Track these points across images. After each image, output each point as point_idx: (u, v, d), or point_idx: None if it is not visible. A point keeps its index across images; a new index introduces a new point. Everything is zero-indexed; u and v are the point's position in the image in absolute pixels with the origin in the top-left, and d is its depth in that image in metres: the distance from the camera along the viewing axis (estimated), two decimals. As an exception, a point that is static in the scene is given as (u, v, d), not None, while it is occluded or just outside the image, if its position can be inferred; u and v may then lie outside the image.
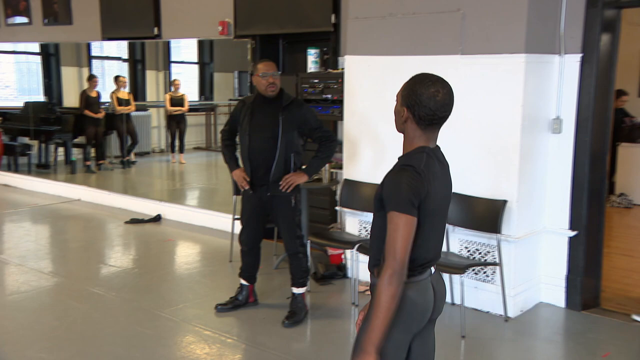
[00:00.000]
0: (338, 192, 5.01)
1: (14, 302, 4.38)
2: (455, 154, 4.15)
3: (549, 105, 4.14)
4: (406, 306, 1.89)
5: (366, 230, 4.75)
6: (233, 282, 4.42)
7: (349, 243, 4.41)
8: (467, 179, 4.14)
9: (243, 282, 4.22)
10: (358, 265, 4.30)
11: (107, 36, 7.14)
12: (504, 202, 3.96)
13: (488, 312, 4.14)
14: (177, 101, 9.45)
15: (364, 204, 4.65)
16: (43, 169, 9.22)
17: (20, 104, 9.79)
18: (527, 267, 4.20)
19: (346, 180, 4.77)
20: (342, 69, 4.93)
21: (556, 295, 4.26)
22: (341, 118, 4.89)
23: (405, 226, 1.81)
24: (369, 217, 4.68)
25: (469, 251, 4.21)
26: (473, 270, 4.17)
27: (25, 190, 8.27)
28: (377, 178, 4.44)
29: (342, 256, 4.94)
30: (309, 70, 5.28)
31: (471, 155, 4.13)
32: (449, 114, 1.90)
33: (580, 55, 4.03)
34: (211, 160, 11.03)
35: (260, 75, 3.81)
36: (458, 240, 4.25)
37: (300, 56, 5.59)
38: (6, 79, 10.52)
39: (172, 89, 9.62)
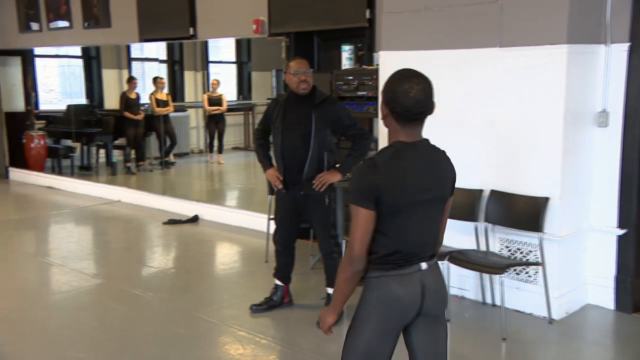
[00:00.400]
0: None
1: (56, 303, 4.50)
2: (493, 149, 4.10)
3: (594, 97, 4.00)
4: (387, 297, 1.98)
5: None
6: (269, 282, 4.42)
7: None
8: (506, 176, 4.05)
9: (278, 282, 4.23)
10: None
11: (145, 38, 7.25)
12: (546, 199, 3.85)
13: (531, 314, 4.03)
14: (215, 101, 9.55)
15: None
16: (85, 170, 9.47)
17: (63, 107, 10.08)
18: (572, 267, 4.07)
19: None
20: (377, 65, 4.89)
21: (604, 296, 4.12)
22: (376, 115, 4.85)
23: (359, 218, 1.93)
24: None
25: (509, 250, 4.11)
26: (514, 270, 4.07)
27: (68, 192, 8.50)
28: None
29: None
30: (343, 67, 5.26)
31: (510, 151, 4.03)
32: (427, 109, 1.95)
33: (628, 44, 3.89)
34: (249, 160, 11.11)
35: (292, 73, 3.81)
36: (498, 239, 4.16)
37: (335, 53, 5.56)
38: (50, 82, 10.83)
39: (210, 89, 9.69)
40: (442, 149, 2.07)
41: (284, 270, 4.20)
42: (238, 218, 6.47)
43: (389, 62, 4.61)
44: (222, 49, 11.57)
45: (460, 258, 3.95)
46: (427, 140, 2.04)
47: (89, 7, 7.79)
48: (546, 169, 3.87)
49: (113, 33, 7.64)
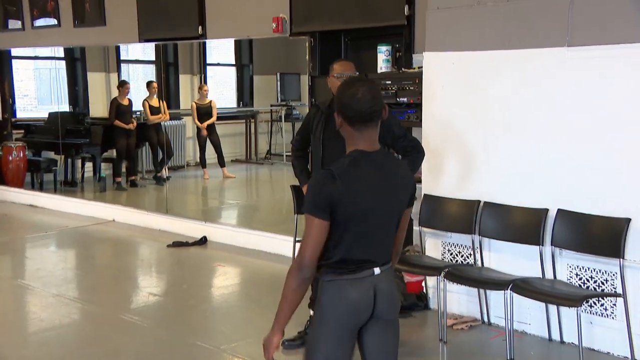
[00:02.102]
0: (416, 209, 4.79)
1: (56, 337, 4.38)
2: (559, 162, 4.03)
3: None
4: (340, 300, 2.23)
5: (451, 254, 4.63)
6: (301, 314, 4.28)
7: (431, 268, 4.31)
8: (576, 193, 3.97)
9: (312, 313, 4.13)
10: (445, 294, 4.16)
11: (145, 37, 7.18)
12: (627, 220, 3.77)
13: (608, 353, 3.93)
14: (205, 109, 9.40)
15: (448, 223, 4.55)
16: (70, 186, 9.35)
17: (40, 114, 9.96)
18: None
19: (426, 195, 4.67)
20: (418, 67, 4.85)
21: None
22: (419, 124, 4.79)
23: (312, 228, 2.17)
24: (454, 238, 4.58)
25: (580, 279, 4.02)
26: (587, 302, 3.97)
27: (53, 211, 8.37)
28: (464, 193, 4.52)
29: (422, 284, 4.81)
30: (379, 70, 5.21)
31: (581, 164, 3.96)
32: (377, 108, 2.19)
33: None
34: (251, 174, 11.04)
35: (335, 76, 3.78)
36: (567, 265, 4.07)
37: (367, 54, 5.51)
38: (25, 87, 10.71)
39: (198, 96, 9.56)
40: (399, 159, 2.37)
41: (319, 300, 4.13)
42: (254, 240, 6.38)
43: (434, 65, 4.58)
44: (220, 49, 11.54)
45: (525, 287, 3.86)
46: (384, 150, 2.31)
47: (81, 3, 7.72)
48: (628, 186, 3.79)
49: (108, 32, 7.58)
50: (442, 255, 4.65)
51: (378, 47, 5.19)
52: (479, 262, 4.41)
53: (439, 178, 4.62)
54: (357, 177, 2.19)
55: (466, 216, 4.42)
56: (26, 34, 8.44)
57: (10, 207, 8.77)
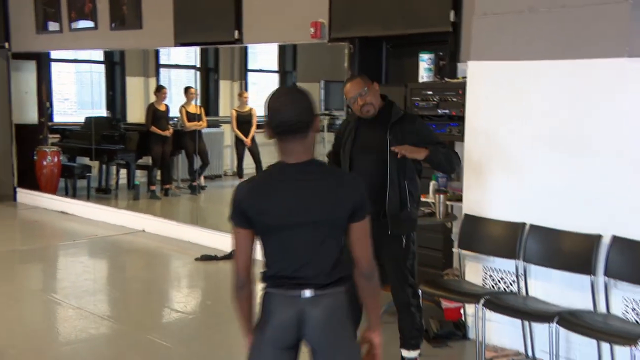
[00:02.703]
0: (455, 230, 4.77)
1: (71, 355, 4.35)
2: (616, 184, 3.81)
3: None
4: (267, 316, 2.31)
5: (492, 280, 4.45)
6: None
7: (470, 295, 4.17)
8: (634, 219, 3.74)
9: None
10: (484, 324, 4.01)
11: (181, 41, 7.23)
12: (691, 251, 3.52)
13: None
14: (245, 118, 9.35)
15: (490, 246, 4.39)
16: (103, 193, 9.45)
17: (79, 119, 10.11)
18: None
19: (467, 215, 4.53)
20: (463, 77, 4.73)
21: None
22: (461, 138, 4.66)
23: (234, 237, 2.29)
24: (496, 263, 4.41)
25: (637, 314, 3.78)
26: (641, 339, 3.72)
27: (84, 219, 8.47)
28: (508, 214, 4.33)
29: (461, 311, 4.66)
30: (420, 80, 5.09)
31: None
32: (297, 121, 2.20)
33: None
34: (292, 185, 10.97)
35: (349, 100, 3.77)
36: (622, 298, 3.83)
37: (409, 63, 5.40)
38: (65, 90, 10.89)
39: (238, 103, 9.50)
40: (342, 171, 2.40)
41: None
42: None
43: (480, 75, 4.45)
44: (263, 55, 11.56)
45: (573, 321, 3.66)
46: (315, 162, 2.30)
47: (118, 5, 7.82)
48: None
49: (144, 35, 7.65)
50: (483, 280, 4.49)
51: (420, 55, 5.08)
52: (523, 291, 4.23)
53: (481, 197, 4.47)
54: (273, 188, 2.26)
55: (510, 239, 4.25)
56: (64, 37, 8.59)
57: (42, 213, 8.92)
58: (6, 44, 9.29)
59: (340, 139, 3.90)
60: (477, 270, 4.53)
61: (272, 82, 11.45)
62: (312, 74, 10.24)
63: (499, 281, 4.41)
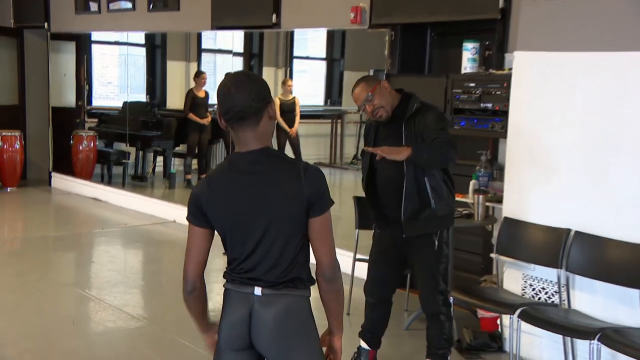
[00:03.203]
0: (495, 233, 4.65)
1: (84, 348, 4.38)
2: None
3: None
4: (224, 312, 2.31)
5: (533, 290, 4.32)
6: (350, 342, 4.12)
7: (507, 305, 4.04)
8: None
9: (363, 344, 4.06)
10: (519, 336, 3.88)
11: (218, 25, 7.22)
12: None
13: None
14: (289, 107, 9.30)
15: (531, 253, 4.27)
16: (139, 180, 9.58)
17: (120, 104, 10.24)
18: None
19: (506, 219, 4.40)
20: (510, 69, 4.58)
21: None
22: (504, 135, 4.53)
23: (189, 234, 2.27)
24: (537, 271, 4.28)
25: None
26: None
27: (115, 207, 8.59)
28: (551, 219, 4.17)
29: (498, 321, 4.54)
30: (463, 71, 4.96)
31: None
32: (243, 106, 2.14)
33: None
34: (335, 179, 10.89)
35: (359, 107, 3.73)
36: (673, 316, 3.63)
37: (454, 52, 5.25)
38: (108, 74, 11.03)
39: (282, 91, 9.45)
40: (296, 160, 2.25)
41: (373, 329, 4.03)
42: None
43: (526, 66, 4.31)
44: (310, 41, 11.49)
45: (617, 339, 3.49)
46: (267, 151, 2.22)
47: (156, -14, 7.85)
48: None
49: (181, 18, 7.67)
50: (523, 290, 4.37)
51: (463, 44, 4.94)
52: (565, 302, 4.08)
53: (523, 199, 4.34)
54: (226, 180, 2.22)
55: (553, 246, 4.11)
56: (102, 17, 8.68)
57: (75, 199, 9.09)
58: (45, 24, 9.45)
59: (366, 141, 3.89)
60: (516, 278, 4.41)
61: (319, 70, 11.41)
62: (361, 62, 10.11)
63: (540, 291, 4.28)
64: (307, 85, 11.45)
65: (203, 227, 2.24)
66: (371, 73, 9.88)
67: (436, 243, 3.71)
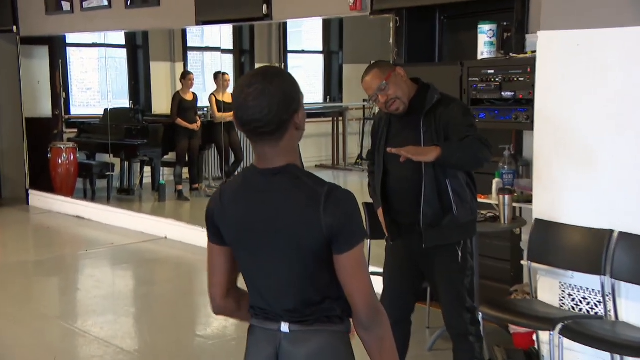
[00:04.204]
0: (525, 237, 4.55)
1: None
2: None
3: None
4: (247, 348, 2.18)
5: (572, 300, 4.17)
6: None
7: (546, 320, 3.88)
8: None
9: None
10: (562, 354, 3.71)
11: (203, 19, 7.09)
12: None
13: None
14: None
15: (568, 258, 4.14)
16: (125, 194, 9.44)
17: (101, 111, 10.07)
18: None
19: (538, 220, 4.26)
20: (532, 52, 4.47)
21: None
22: (531, 126, 4.41)
23: (208, 251, 2.19)
24: (576, 279, 4.14)
25: None
26: None
27: (100, 224, 8.45)
28: (590, 219, 3.98)
29: (533, 337, 4.38)
30: (480, 57, 4.83)
31: None
32: (264, 120, 1.95)
33: None
34: (338, 182, 10.74)
35: (370, 98, 3.56)
36: None
37: (469, 37, 5.14)
38: (88, 79, 10.86)
39: None
40: (320, 182, 2.02)
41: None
42: None
43: (553, 47, 4.18)
44: (305, 34, 11.36)
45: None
46: (290, 170, 2.03)
47: (133, -21, 7.71)
48: None
49: (162, 14, 7.56)
50: (561, 300, 4.23)
51: (479, 27, 4.79)
52: (611, 314, 3.93)
53: (556, 198, 4.21)
54: (238, 198, 2.09)
55: (593, 250, 3.98)
56: (75, 18, 8.54)
57: (56, 218, 8.94)
58: (14, 28, 9.28)
59: (376, 135, 3.72)
60: (552, 287, 4.27)
61: (316, 65, 11.29)
62: (362, 54, 9.96)
63: (581, 302, 4.14)
64: (304, 81, 11.35)
65: (219, 244, 2.12)
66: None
67: (460, 254, 3.56)
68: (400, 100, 3.48)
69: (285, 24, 9.69)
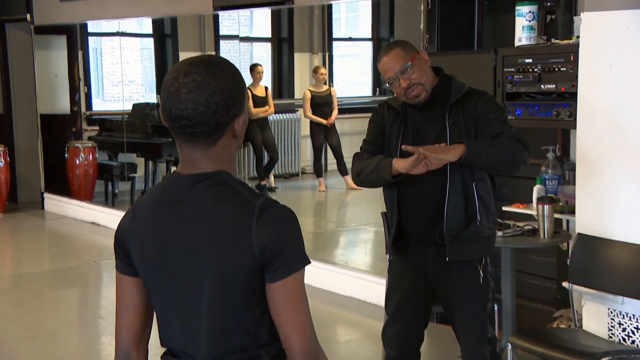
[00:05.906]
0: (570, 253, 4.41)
1: None
2: None
3: None
4: None
5: (623, 330, 4.04)
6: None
7: (587, 355, 3.71)
8: None
9: None
10: None
11: (221, 5, 7.13)
12: None
13: None
14: (322, 100, 9.09)
15: (618, 281, 4.05)
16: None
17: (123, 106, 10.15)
18: None
19: (581, 235, 4.15)
20: (578, 37, 4.32)
21: None
22: (573, 125, 4.30)
23: (116, 284, 2.00)
24: (628, 305, 4.01)
25: None
26: None
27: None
28: None
29: None
30: (517, 43, 4.71)
31: None
32: (196, 119, 1.81)
33: None
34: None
35: (388, 81, 3.40)
36: None
37: (508, 20, 5.03)
38: (131, 70, 10.91)
39: (313, 81, 9.22)
40: (254, 194, 1.86)
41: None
42: (348, 284, 6.08)
43: (599, 32, 4.08)
44: (353, 20, 11.23)
45: None
46: (216, 176, 1.86)
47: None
48: None
49: (180, 0, 7.66)
50: (610, 330, 4.12)
51: (516, 9, 4.68)
52: None
53: (604, 209, 4.12)
54: (153, 212, 1.92)
55: None
56: (89, 4, 8.68)
57: (70, 224, 9.07)
58: (27, 15, 9.41)
59: (381, 132, 3.53)
60: (599, 314, 4.17)
61: (365, 54, 11.15)
62: (416, 42, 9.82)
63: (633, 332, 4.03)
64: (351, 72, 11.23)
65: (131, 275, 1.94)
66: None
67: (481, 274, 3.45)
68: (423, 86, 3.36)
69: (330, 8, 9.61)
